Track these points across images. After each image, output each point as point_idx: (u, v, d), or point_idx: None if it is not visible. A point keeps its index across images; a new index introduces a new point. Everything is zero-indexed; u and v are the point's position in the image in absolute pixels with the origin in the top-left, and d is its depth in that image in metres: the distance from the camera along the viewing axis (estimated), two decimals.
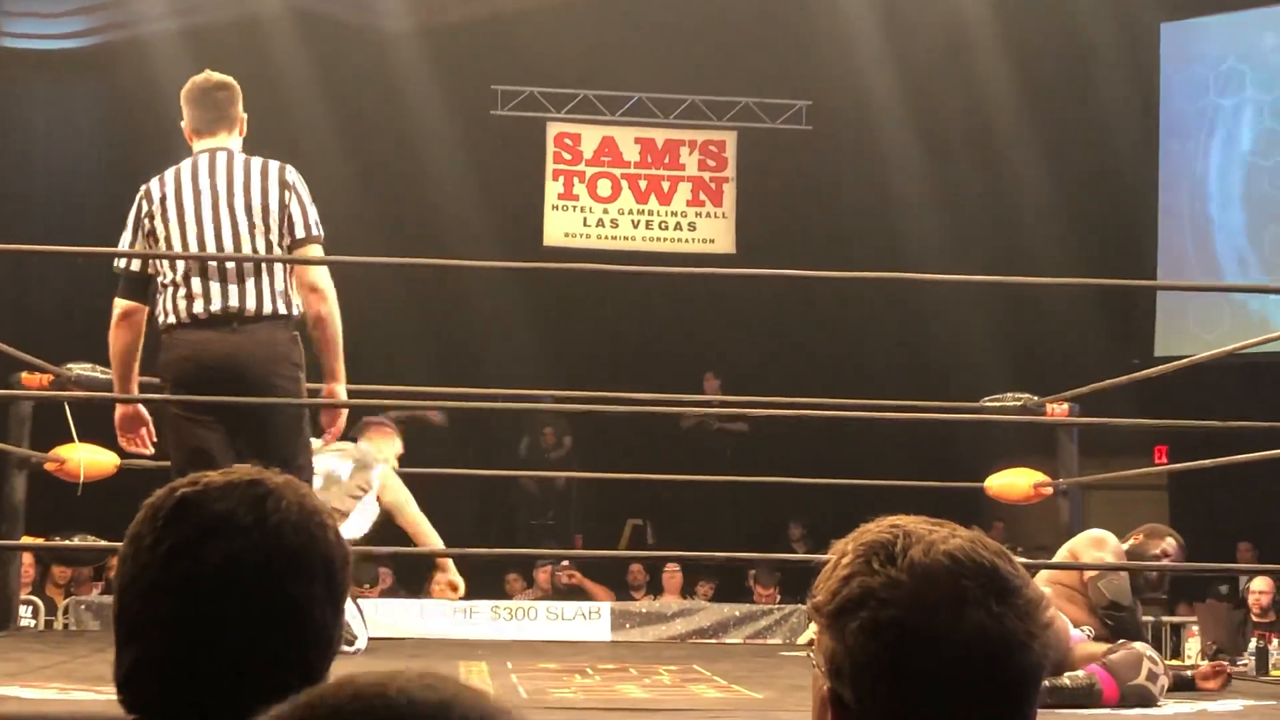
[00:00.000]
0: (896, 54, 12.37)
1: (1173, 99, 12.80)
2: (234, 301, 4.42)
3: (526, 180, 13.45)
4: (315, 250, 4.54)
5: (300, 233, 4.51)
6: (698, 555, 9.96)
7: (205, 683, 1.23)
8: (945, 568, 1.24)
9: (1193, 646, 8.79)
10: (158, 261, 4.50)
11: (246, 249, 4.47)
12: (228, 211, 4.48)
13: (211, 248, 4.47)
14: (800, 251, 11.83)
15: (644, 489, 11.51)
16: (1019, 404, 6.96)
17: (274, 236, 4.50)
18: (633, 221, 13.61)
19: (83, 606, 8.11)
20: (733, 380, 12.31)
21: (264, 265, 4.46)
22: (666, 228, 13.61)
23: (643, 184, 13.65)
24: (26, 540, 6.71)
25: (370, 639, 6.49)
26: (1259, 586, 8.89)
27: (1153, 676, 4.66)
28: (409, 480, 6.90)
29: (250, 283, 4.44)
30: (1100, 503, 11.17)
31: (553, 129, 13.60)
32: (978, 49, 12.24)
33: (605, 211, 13.60)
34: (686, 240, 13.58)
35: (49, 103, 12.82)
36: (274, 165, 4.56)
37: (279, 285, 4.49)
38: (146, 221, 4.55)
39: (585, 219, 13.59)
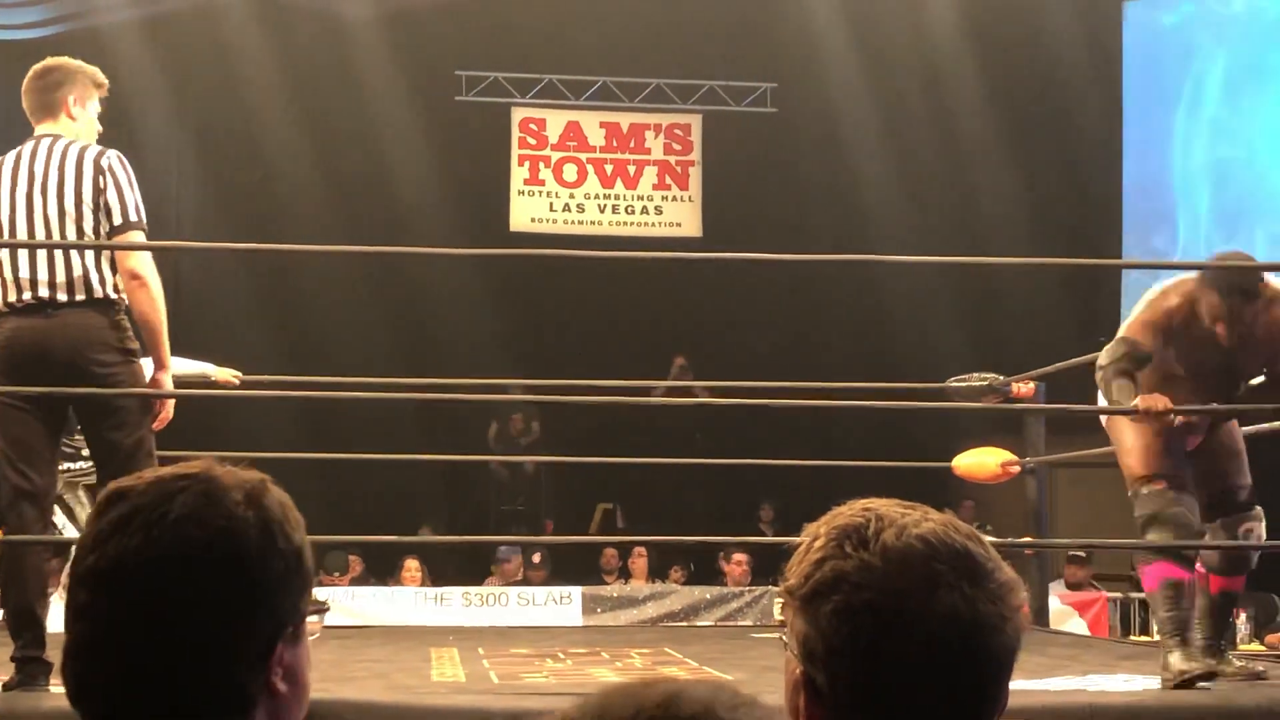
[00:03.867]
0: (860, 37, 12.38)
1: (1135, 78, 12.84)
2: (44, 289, 4.38)
3: (492, 166, 13.40)
4: (136, 237, 4.47)
5: (118, 219, 4.44)
6: (668, 538, 9.96)
7: (144, 673, 1.21)
8: (918, 551, 1.24)
9: None
10: None
11: (56, 236, 4.42)
12: (40, 199, 4.43)
13: (23, 234, 4.44)
14: (766, 234, 11.85)
15: (613, 473, 11.51)
16: (985, 384, 6.96)
17: (88, 224, 4.42)
18: (599, 206, 13.58)
19: (53, 598, 8.05)
20: (701, 363, 12.32)
21: (74, 250, 4.40)
22: (633, 212, 13.59)
23: (609, 168, 13.63)
24: None
25: (341, 627, 6.48)
26: None
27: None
28: (375, 464, 6.85)
29: (61, 269, 4.39)
30: (1067, 481, 11.21)
31: (517, 114, 13.55)
32: (941, 31, 12.25)
33: (571, 196, 13.57)
34: (653, 224, 13.56)
35: (6, 93, 12.70)
36: (92, 151, 4.48)
37: (93, 270, 4.41)
38: None
39: (551, 204, 13.56)
